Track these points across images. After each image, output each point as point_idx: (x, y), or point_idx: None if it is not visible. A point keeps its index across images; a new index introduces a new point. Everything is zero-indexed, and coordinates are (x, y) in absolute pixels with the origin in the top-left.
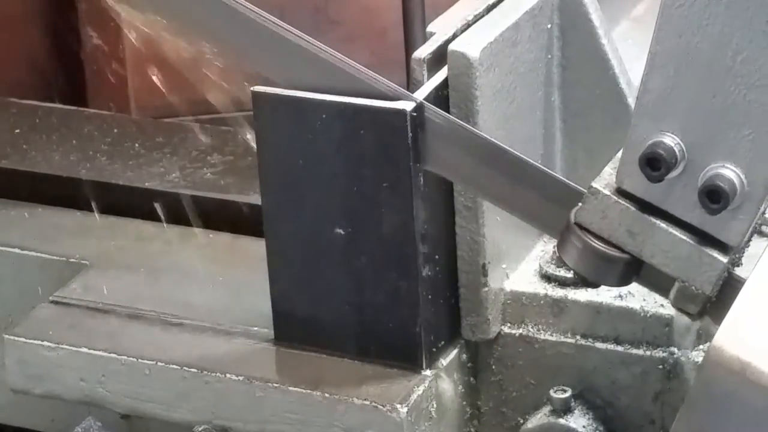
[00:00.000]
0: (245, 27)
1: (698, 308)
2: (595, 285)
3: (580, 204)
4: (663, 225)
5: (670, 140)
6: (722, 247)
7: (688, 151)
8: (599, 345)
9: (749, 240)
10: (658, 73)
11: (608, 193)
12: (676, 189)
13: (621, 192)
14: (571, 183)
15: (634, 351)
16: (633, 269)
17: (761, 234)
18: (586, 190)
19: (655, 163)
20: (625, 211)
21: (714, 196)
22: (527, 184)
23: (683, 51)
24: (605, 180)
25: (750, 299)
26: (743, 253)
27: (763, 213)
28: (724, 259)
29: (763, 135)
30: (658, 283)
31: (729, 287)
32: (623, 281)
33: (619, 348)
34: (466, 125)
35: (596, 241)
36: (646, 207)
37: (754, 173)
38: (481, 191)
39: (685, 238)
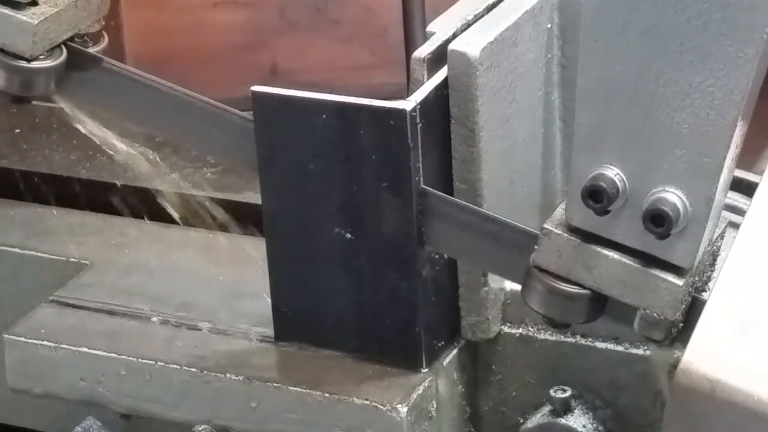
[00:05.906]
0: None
1: (663, 334)
2: (564, 326)
3: (536, 247)
4: (616, 256)
5: (610, 171)
6: (677, 270)
7: (628, 180)
8: (599, 345)
9: (713, 263)
10: (588, 107)
11: (560, 232)
12: (623, 219)
13: (572, 229)
14: (529, 228)
15: (634, 351)
16: (598, 304)
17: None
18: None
19: (597, 196)
20: (578, 247)
21: (657, 220)
22: (489, 238)
23: (608, 82)
24: (557, 220)
25: (712, 317)
26: (708, 276)
27: (719, 236)
28: (679, 282)
29: (695, 154)
30: (625, 315)
31: (695, 311)
32: (590, 317)
33: (619, 348)
34: (427, 189)
35: (557, 281)
36: (598, 240)
37: (693, 193)
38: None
39: (638, 266)
